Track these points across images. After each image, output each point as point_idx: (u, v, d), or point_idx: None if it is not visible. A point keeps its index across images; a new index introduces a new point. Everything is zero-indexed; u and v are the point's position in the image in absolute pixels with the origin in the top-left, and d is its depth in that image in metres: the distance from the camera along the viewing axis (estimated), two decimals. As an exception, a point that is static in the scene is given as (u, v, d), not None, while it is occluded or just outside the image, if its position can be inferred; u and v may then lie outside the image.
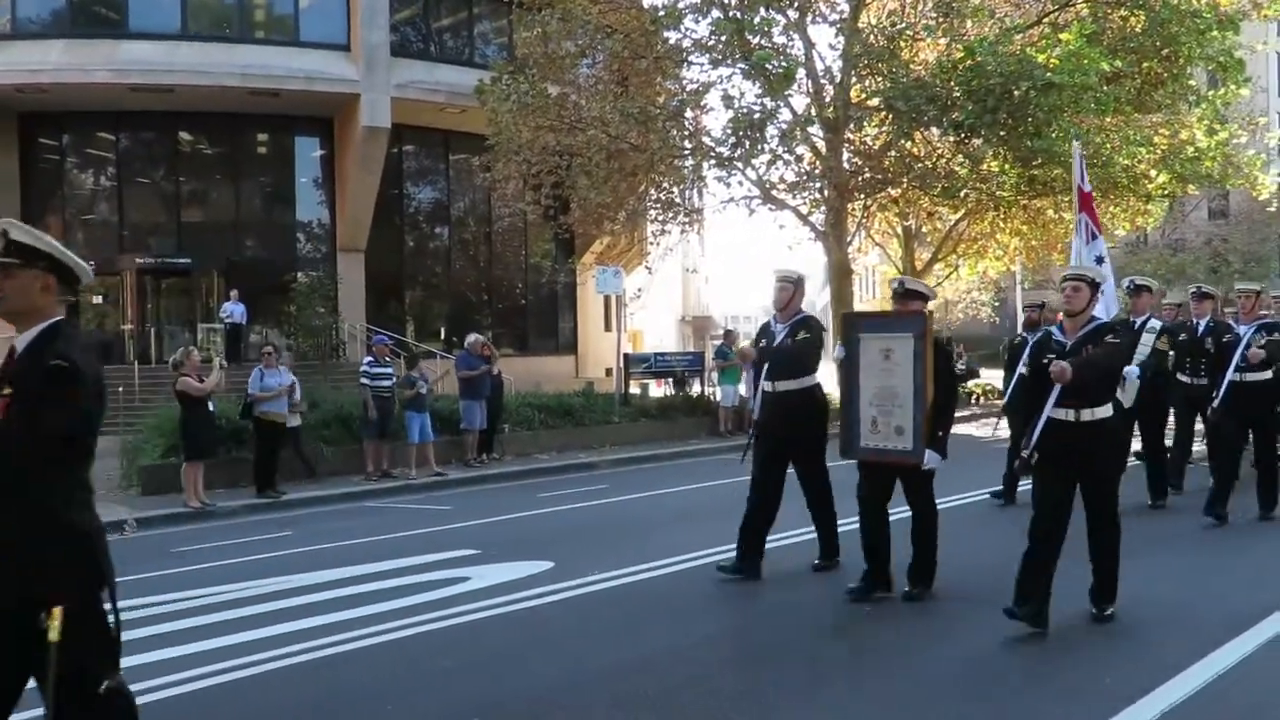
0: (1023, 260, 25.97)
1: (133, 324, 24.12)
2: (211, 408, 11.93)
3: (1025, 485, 7.79)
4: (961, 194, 19.80)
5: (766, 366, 6.98)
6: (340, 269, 24.29)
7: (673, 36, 19.79)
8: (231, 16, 24.35)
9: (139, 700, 4.72)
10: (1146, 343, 7.64)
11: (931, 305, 7.33)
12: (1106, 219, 22.12)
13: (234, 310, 22.37)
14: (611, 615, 6.28)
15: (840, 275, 21.47)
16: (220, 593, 7.09)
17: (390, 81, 23.10)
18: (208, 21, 24.09)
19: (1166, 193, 21.52)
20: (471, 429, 14.91)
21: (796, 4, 19.29)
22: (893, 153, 19.94)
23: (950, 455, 6.30)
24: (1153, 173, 20.20)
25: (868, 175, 20.38)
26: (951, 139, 19.24)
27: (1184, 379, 9.70)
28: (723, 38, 18.75)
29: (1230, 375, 8.55)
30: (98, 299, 25.69)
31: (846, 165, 20.29)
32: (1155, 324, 8.34)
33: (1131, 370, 7.50)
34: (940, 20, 18.73)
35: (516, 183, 21.01)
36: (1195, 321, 9.75)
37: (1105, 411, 5.54)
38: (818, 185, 20.19)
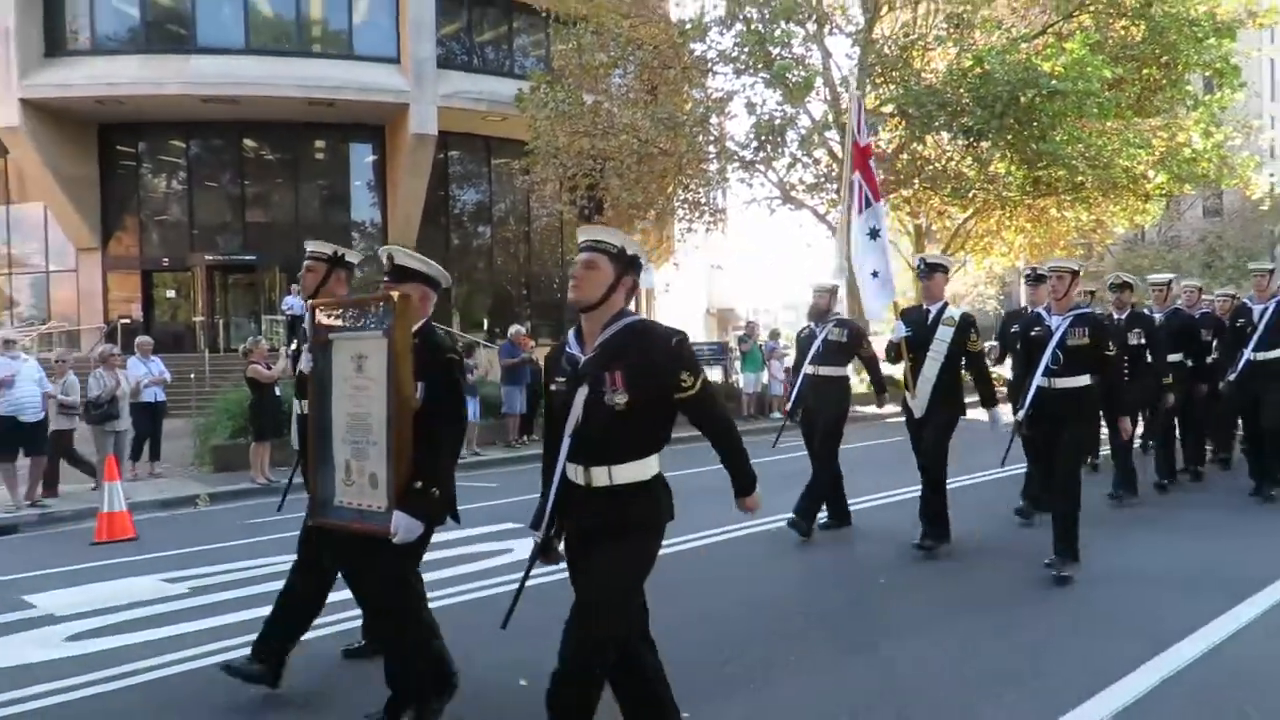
0: (1026, 256, 25.71)
1: (202, 315, 24.39)
2: (278, 392, 12.06)
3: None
4: (970, 194, 19.62)
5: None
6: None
7: (699, 48, 19.73)
8: (291, 32, 24.48)
9: (225, 656, 4.83)
10: (944, 337, 6.69)
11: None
12: (1107, 217, 21.89)
13: (294, 303, 22.50)
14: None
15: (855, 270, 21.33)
16: (287, 561, 7.17)
17: (437, 92, 23.18)
18: (270, 37, 24.23)
19: (1164, 192, 21.25)
20: (513, 413, 14.99)
21: (815, 17, 19.15)
22: (905, 156, 19.78)
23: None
24: (1151, 173, 19.95)
25: (881, 177, 20.19)
26: (961, 143, 19.06)
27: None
28: (746, 49, 18.67)
29: (1249, 353, 8.45)
30: (170, 293, 26.02)
31: (861, 167, 20.14)
32: (954, 314, 6.85)
33: (998, 413, 6.96)
34: (950, 31, 18.56)
35: (554, 185, 21.04)
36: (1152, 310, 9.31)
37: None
38: (835, 186, 20.07)
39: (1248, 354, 8.47)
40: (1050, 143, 17.18)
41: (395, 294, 3.67)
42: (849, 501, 7.87)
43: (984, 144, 18.33)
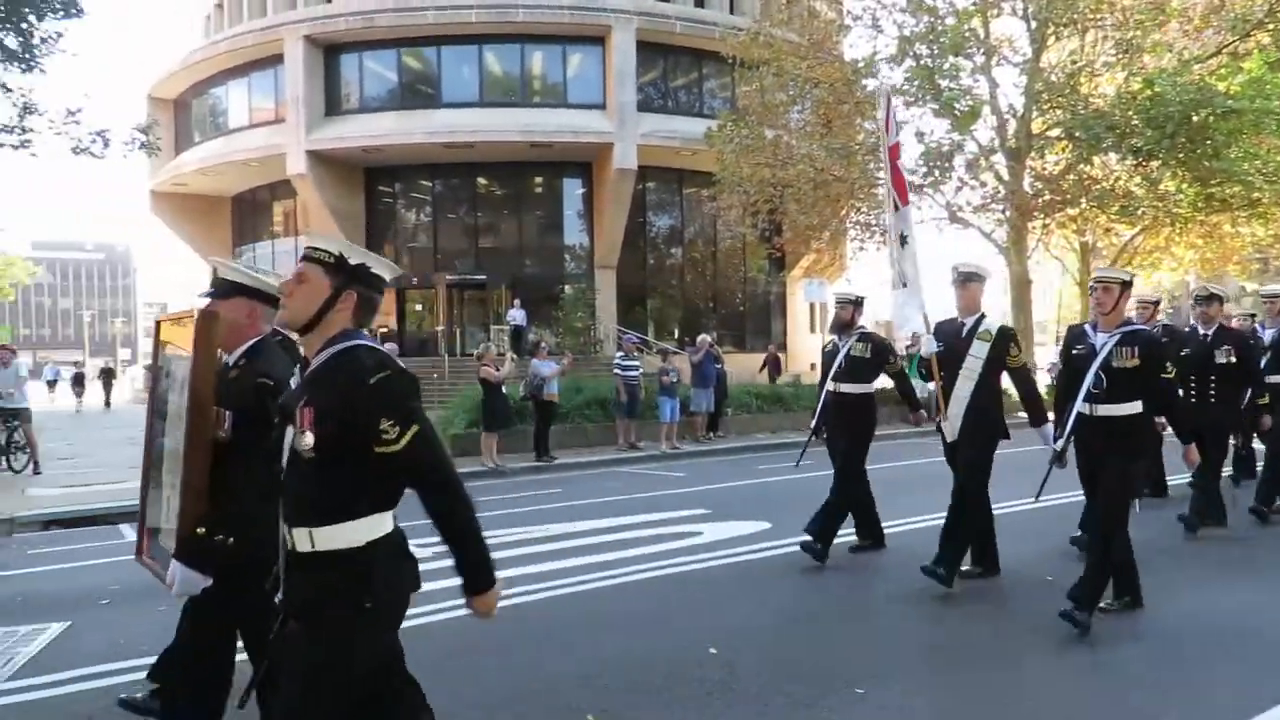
0: (1197, 271, 23.41)
1: (443, 325, 25.85)
2: (504, 390, 12.60)
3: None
4: (1138, 212, 18.07)
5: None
6: (597, 282, 25.11)
7: (871, 84, 19.20)
8: (516, 86, 25.64)
9: (455, 615, 5.11)
10: (978, 353, 5.42)
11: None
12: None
13: (517, 315, 23.57)
14: (818, 568, 6.15)
15: (1020, 286, 20.13)
16: (511, 534, 7.53)
17: (637, 132, 23.66)
18: (499, 92, 25.48)
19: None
20: (700, 411, 15.07)
21: (983, 50, 18.22)
22: (1072, 176, 18.48)
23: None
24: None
25: (1048, 197, 18.97)
26: (1130, 163, 17.59)
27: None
28: (915, 83, 17.99)
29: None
30: (418, 307, 27.77)
31: (1028, 188, 18.97)
32: (990, 326, 5.52)
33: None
34: (1119, 56, 17.18)
35: (737, 210, 21.01)
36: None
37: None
38: (1001, 207, 19.02)
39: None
40: (1224, 160, 15.58)
41: (198, 312, 2.94)
42: (883, 524, 6.65)
43: (1154, 163, 16.84)
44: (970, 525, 5.45)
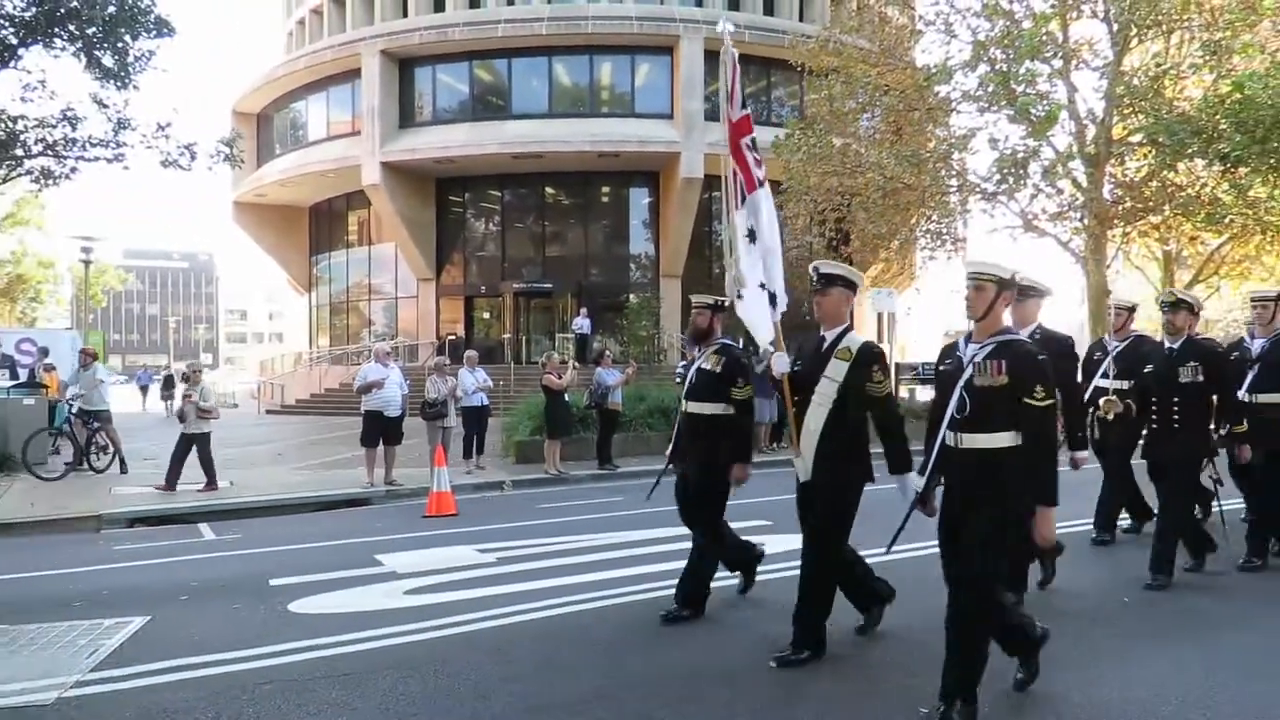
0: (1292, 281, 22.32)
1: (509, 333, 26.22)
2: (567, 398, 12.66)
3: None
4: (1226, 220, 17.31)
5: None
6: (662, 291, 25.16)
7: (943, 90, 18.83)
8: (585, 97, 25.91)
9: (508, 621, 5.17)
10: (835, 374, 4.40)
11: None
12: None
13: (582, 324, 23.77)
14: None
15: (1098, 296, 19.47)
16: (573, 541, 7.58)
17: (704, 141, 23.65)
18: (568, 103, 25.78)
19: None
20: (763, 421, 14.90)
21: (1061, 54, 17.72)
22: (1154, 183, 17.81)
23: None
24: None
25: (1129, 204, 18.32)
26: (1217, 169, 16.87)
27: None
28: (989, 88, 17.59)
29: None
30: (486, 314, 28.22)
31: (1107, 196, 18.35)
32: (853, 343, 4.46)
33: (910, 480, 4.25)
34: (1207, 59, 16.51)
35: (805, 219, 20.81)
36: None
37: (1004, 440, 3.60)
38: (1078, 215, 18.42)
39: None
40: (1320, 165, 14.87)
41: None
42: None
43: (1242, 169, 16.12)
44: (825, 593, 4.50)
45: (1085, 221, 18.38)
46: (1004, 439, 3.62)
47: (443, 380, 12.30)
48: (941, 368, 3.90)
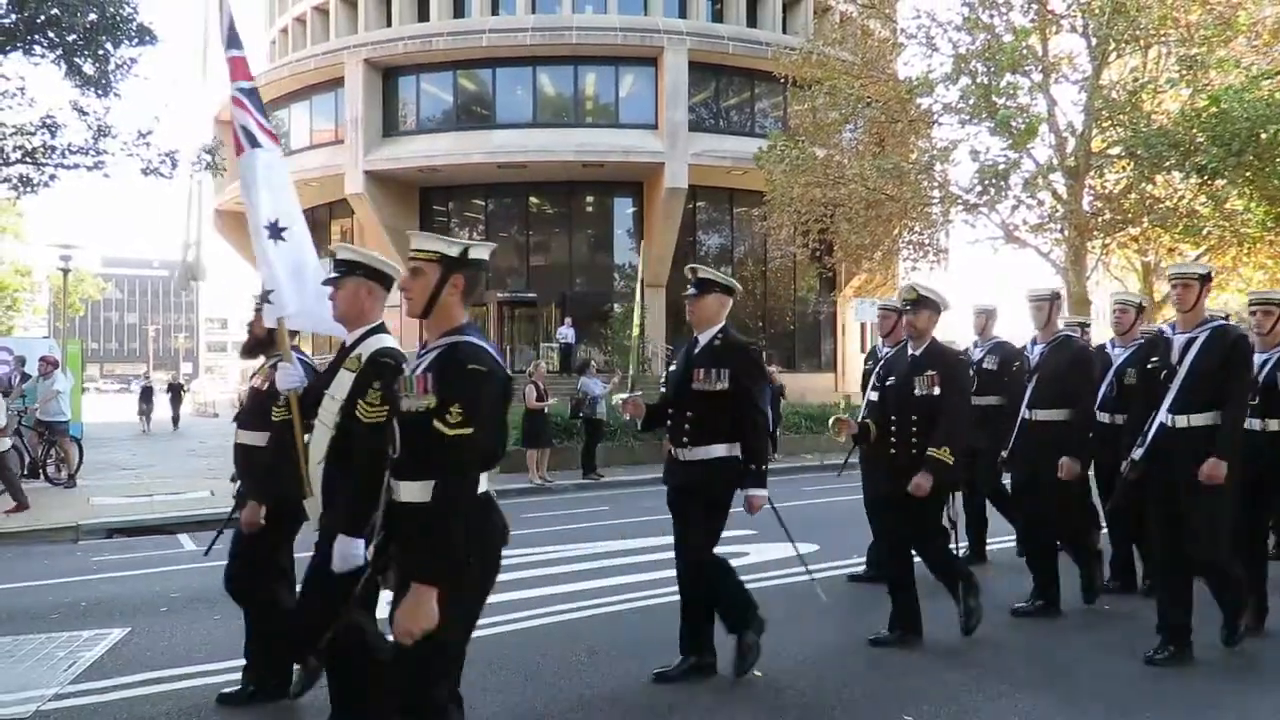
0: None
1: (494, 343, 26.12)
2: (545, 411, 12.63)
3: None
4: (1203, 231, 17.56)
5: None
6: (646, 301, 25.19)
7: (925, 102, 19.02)
8: (570, 107, 25.97)
9: (492, 631, 5.14)
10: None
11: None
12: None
13: (566, 333, 23.76)
14: (862, 593, 6.07)
15: (1079, 307, 19.68)
16: (556, 551, 7.57)
17: (688, 151, 23.78)
18: (552, 112, 25.83)
19: None
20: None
21: (1041, 67, 17.95)
22: (1133, 195, 18.04)
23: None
24: None
25: (1108, 216, 18.54)
26: (1194, 181, 17.11)
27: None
28: (970, 101, 17.78)
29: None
30: (470, 324, 28.10)
31: (1087, 208, 18.57)
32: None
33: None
34: (1183, 73, 16.76)
35: (788, 230, 20.93)
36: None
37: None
38: (1059, 227, 18.63)
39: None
40: (1295, 178, 15.09)
41: None
42: None
43: (1219, 182, 16.35)
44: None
45: (1065, 233, 18.59)
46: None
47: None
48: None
